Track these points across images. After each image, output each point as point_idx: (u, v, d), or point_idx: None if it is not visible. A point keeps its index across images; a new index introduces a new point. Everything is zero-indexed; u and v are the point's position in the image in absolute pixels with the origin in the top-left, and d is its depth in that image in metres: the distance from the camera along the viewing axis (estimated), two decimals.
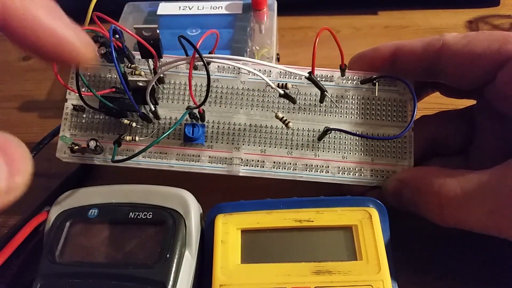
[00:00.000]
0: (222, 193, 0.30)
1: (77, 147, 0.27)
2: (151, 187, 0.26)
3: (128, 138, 0.26)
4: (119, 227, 0.24)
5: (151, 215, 0.24)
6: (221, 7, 0.38)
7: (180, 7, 0.39)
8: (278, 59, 0.37)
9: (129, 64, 0.27)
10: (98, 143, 0.26)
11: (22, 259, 0.26)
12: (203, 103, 0.24)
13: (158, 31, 0.25)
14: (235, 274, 0.22)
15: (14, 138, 0.17)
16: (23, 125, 0.37)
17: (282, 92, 0.25)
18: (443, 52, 0.24)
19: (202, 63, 0.25)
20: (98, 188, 0.26)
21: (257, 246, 0.23)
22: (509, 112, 0.23)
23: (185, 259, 0.23)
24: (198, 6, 0.39)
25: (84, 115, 0.28)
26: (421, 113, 0.30)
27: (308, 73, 0.25)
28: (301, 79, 0.27)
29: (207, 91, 0.24)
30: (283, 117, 0.25)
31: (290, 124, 0.25)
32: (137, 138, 0.27)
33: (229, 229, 0.23)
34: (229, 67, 0.28)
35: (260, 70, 0.28)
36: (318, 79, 0.27)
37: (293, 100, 0.26)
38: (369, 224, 0.23)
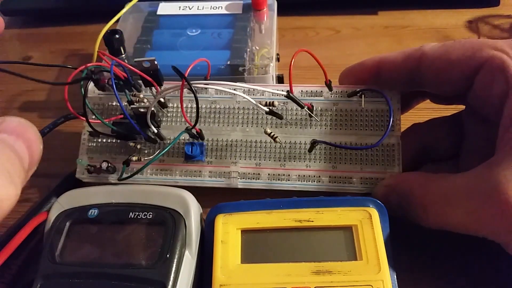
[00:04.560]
0: (222, 193, 0.30)
1: (92, 168, 0.29)
2: (151, 187, 0.26)
3: (134, 158, 0.29)
4: (119, 227, 0.24)
5: (151, 215, 0.24)
6: (221, 7, 0.38)
7: (180, 7, 0.39)
8: (278, 59, 0.37)
9: (134, 93, 0.29)
10: (109, 164, 0.28)
11: (22, 259, 0.26)
12: (195, 124, 0.27)
13: (156, 62, 0.27)
14: (235, 274, 0.22)
15: (28, 123, 0.20)
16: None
17: (267, 109, 0.27)
18: (422, 61, 0.25)
19: (200, 86, 0.28)
20: (98, 188, 0.26)
21: (257, 246, 0.23)
22: (491, 116, 0.24)
23: (185, 259, 0.23)
24: (198, 6, 0.39)
25: (99, 140, 0.31)
26: (418, 118, 0.30)
27: (286, 91, 0.27)
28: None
29: (197, 113, 0.26)
30: (271, 132, 0.27)
31: (277, 138, 0.27)
32: (142, 159, 0.29)
33: (229, 229, 0.23)
34: (225, 92, 0.30)
35: (252, 90, 0.29)
36: (309, 95, 0.29)
37: (279, 117, 0.28)
38: (369, 224, 0.23)
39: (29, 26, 0.47)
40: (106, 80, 0.30)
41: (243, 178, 0.29)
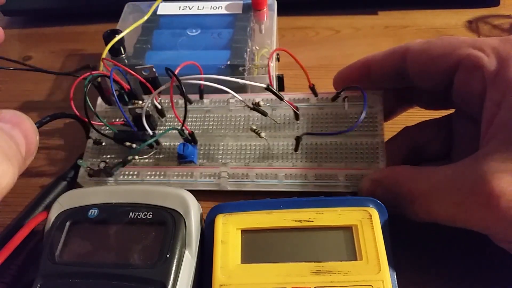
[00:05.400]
0: (222, 193, 0.30)
1: (92, 170, 0.30)
2: (151, 187, 0.26)
3: (129, 157, 0.30)
4: (119, 227, 0.24)
5: (151, 215, 0.24)
6: (221, 7, 0.38)
7: (180, 7, 0.39)
8: (278, 59, 0.37)
9: (134, 100, 0.31)
10: (107, 164, 0.29)
11: (22, 259, 0.26)
12: (184, 121, 0.28)
13: (154, 69, 0.30)
14: (235, 274, 0.22)
15: (24, 115, 0.21)
16: None
17: (251, 105, 0.28)
18: (406, 57, 0.26)
19: (198, 98, 0.32)
20: (98, 188, 0.26)
21: (257, 246, 0.23)
22: (474, 114, 0.24)
23: (185, 259, 0.23)
24: (198, 6, 0.39)
25: (102, 146, 0.32)
26: (410, 122, 0.31)
27: (266, 84, 0.28)
28: (281, 103, 0.30)
29: (185, 110, 0.28)
30: (255, 128, 0.29)
31: (262, 134, 0.29)
32: (136, 157, 0.30)
33: (229, 229, 0.23)
34: (219, 100, 0.32)
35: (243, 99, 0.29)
36: (296, 102, 0.30)
37: (263, 113, 0.29)
38: (369, 224, 0.23)
39: (29, 26, 0.47)
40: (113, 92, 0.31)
41: (233, 178, 0.29)
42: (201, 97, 0.32)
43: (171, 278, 0.21)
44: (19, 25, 0.47)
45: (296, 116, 0.30)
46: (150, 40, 0.36)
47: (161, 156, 0.31)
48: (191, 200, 0.24)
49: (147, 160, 0.31)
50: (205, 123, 0.31)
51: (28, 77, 0.41)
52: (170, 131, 0.30)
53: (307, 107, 0.31)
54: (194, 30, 0.37)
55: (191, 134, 0.30)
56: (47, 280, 0.22)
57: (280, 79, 0.35)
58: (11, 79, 0.41)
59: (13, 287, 0.25)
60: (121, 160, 0.30)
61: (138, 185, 0.30)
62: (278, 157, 0.29)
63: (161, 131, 0.31)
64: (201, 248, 0.24)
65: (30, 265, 0.26)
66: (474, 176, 0.21)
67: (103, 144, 0.32)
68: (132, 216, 0.24)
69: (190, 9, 0.39)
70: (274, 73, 0.34)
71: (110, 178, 0.30)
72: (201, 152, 0.31)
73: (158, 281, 0.21)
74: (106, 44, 0.34)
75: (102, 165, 0.29)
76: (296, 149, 0.29)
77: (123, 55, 0.35)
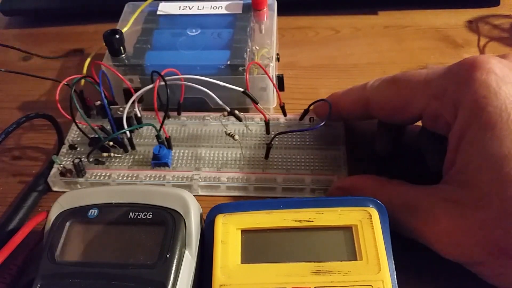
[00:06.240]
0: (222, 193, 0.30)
1: (64, 169, 0.31)
2: (151, 187, 0.26)
3: (105, 154, 0.31)
4: (119, 227, 0.24)
5: (151, 215, 0.24)
6: (221, 7, 0.38)
7: (180, 7, 0.39)
8: (278, 59, 0.37)
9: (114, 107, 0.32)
10: (81, 161, 0.30)
11: (22, 259, 0.26)
12: (163, 121, 0.30)
13: (139, 79, 0.33)
14: (235, 274, 0.22)
15: None
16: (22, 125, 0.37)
17: (228, 109, 0.30)
18: (369, 107, 0.27)
19: (176, 113, 0.34)
20: (98, 188, 0.26)
21: (257, 246, 0.23)
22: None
23: (185, 259, 0.23)
24: (198, 6, 0.39)
25: (77, 151, 0.33)
26: None
27: (243, 89, 0.30)
28: (253, 120, 0.34)
29: (166, 109, 0.30)
30: (230, 132, 0.31)
31: (236, 136, 0.31)
32: (112, 154, 0.31)
33: (229, 229, 0.23)
34: (196, 116, 0.34)
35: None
36: (269, 121, 0.32)
37: (239, 118, 0.31)
38: (369, 224, 0.23)
39: (29, 26, 0.47)
40: (93, 103, 0.34)
41: (205, 181, 0.30)
42: (179, 113, 0.34)
43: (171, 278, 0.21)
44: (19, 25, 0.47)
45: (267, 130, 0.32)
46: (150, 40, 0.36)
47: (135, 159, 0.32)
48: (191, 200, 0.24)
49: (121, 164, 0.31)
50: (180, 135, 0.33)
51: (28, 77, 0.41)
52: (146, 139, 0.32)
53: (276, 125, 0.33)
54: (194, 30, 0.37)
55: (168, 138, 0.31)
56: (47, 280, 0.22)
57: (280, 79, 0.35)
58: (11, 79, 0.41)
59: (13, 287, 0.25)
60: (94, 158, 0.31)
61: (138, 185, 0.30)
62: (249, 164, 0.31)
63: (138, 124, 0.32)
64: (201, 248, 0.24)
65: (30, 265, 0.26)
66: (425, 213, 0.23)
67: (78, 149, 0.33)
68: (132, 216, 0.24)
69: (190, 9, 0.39)
70: (274, 73, 0.34)
71: (81, 179, 0.31)
72: (175, 157, 0.32)
73: (158, 281, 0.21)
74: (107, 45, 0.34)
75: (76, 161, 0.30)
76: (266, 157, 0.30)
77: (123, 55, 0.35)
